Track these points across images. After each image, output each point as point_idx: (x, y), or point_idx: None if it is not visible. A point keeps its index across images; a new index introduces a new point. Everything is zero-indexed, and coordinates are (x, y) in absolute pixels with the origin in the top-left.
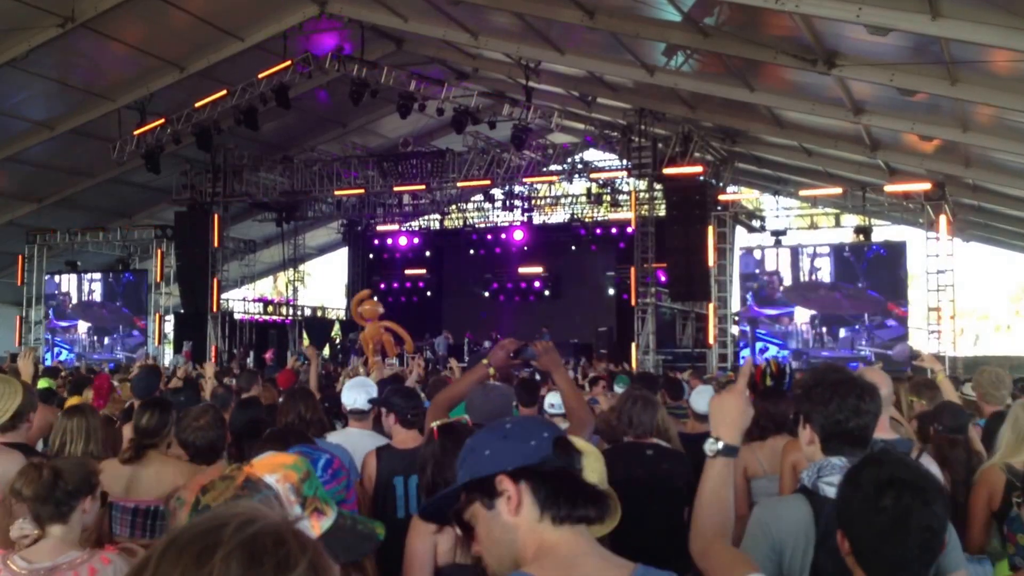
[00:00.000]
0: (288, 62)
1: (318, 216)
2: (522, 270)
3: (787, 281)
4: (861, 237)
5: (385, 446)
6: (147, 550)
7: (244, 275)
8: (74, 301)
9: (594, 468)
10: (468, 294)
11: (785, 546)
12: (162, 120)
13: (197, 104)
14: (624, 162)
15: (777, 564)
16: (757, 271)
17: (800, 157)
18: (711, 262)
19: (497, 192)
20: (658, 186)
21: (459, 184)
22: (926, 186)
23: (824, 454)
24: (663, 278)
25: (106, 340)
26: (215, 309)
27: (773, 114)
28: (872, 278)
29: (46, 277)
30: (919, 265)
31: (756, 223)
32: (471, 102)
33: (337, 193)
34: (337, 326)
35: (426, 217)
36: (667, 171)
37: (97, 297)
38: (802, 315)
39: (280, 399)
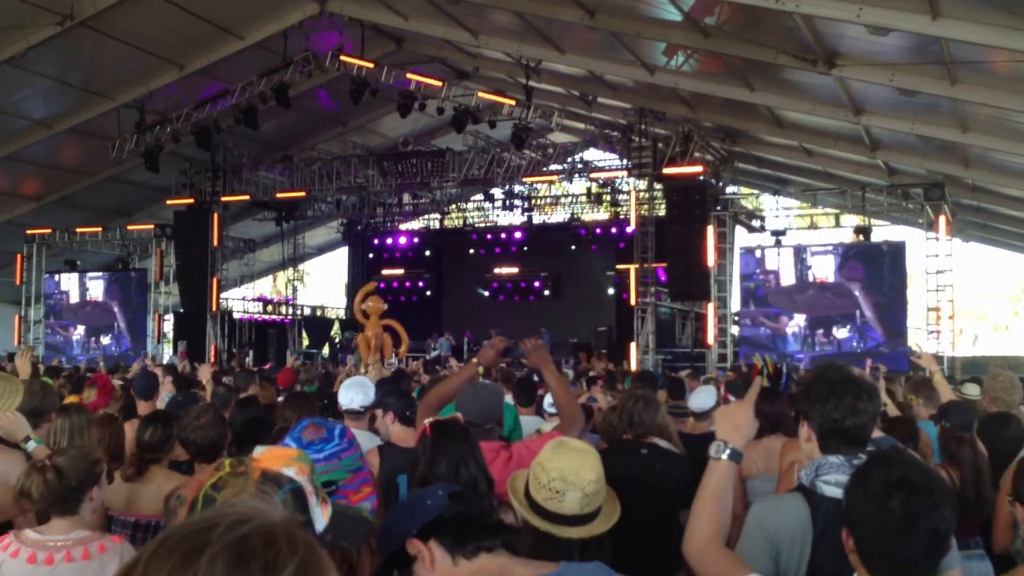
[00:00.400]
0: (288, 61)
1: (318, 215)
2: (522, 270)
3: (786, 281)
4: (861, 237)
5: (387, 444)
6: (142, 548)
7: (243, 274)
8: (74, 300)
9: (591, 467)
10: (468, 294)
11: (782, 544)
12: (161, 119)
13: (197, 103)
14: (624, 162)
15: (774, 561)
16: (757, 271)
17: (800, 157)
18: (711, 262)
19: (497, 192)
20: (658, 186)
21: (459, 184)
22: (926, 186)
23: (821, 452)
24: (663, 278)
25: (104, 340)
26: (214, 308)
27: (773, 114)
28: (871, 278)
29: (45, 276)
30: (918, 265)
31: (756, 223)
32: (471, 101)
33: (337, 192)
34: (337, 325)
35: (426, 216)
36: (667, 171)
37: (99, 296)
38: (796, 317)
39: (279, 398)
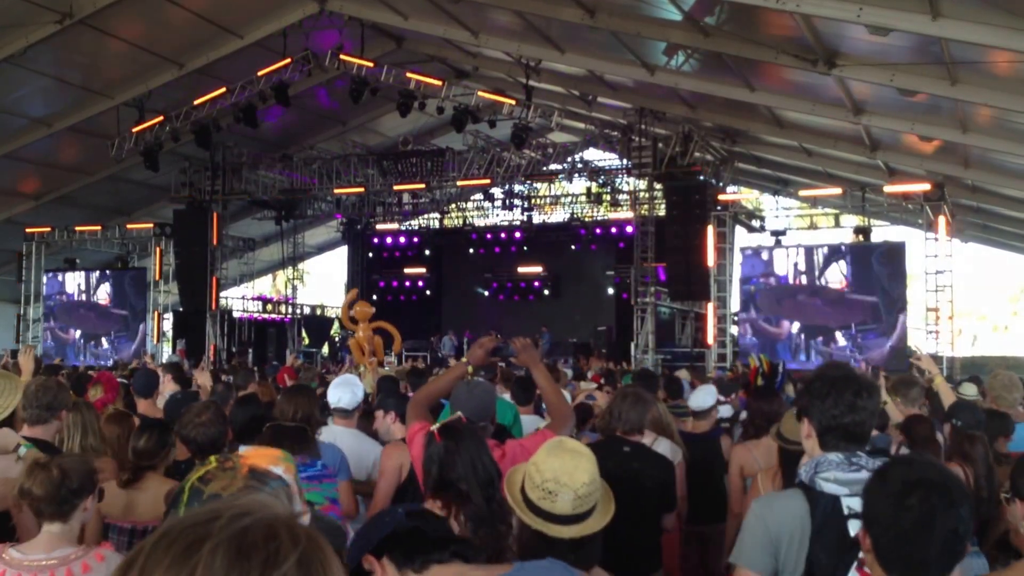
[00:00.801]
0: (288, 60)
1: (317, 214)
2: (522, 269)
3: (785, 283)
4: (860, 237)
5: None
6: (142, 541)
7: (243, 273)
8: (73, 298)
9: (585, 469)
10: (468, 293)
11: (781, 539)
12: (161, 117)
13: (196, 101)
14: (624, 162)
15: (774, 557)
16: (755, 272)
17: (800, 157)
18: (711, 262)
19: (497, 191)
20: (658, 186)
21: (459, 183)
22: (925, 187)
23: (821, 448)
24: (663, 277)
25: (103, 343)
26: (214, 307)
27: (773, 114)
28: (870, 278)
29: (47, 275)
30: (918, 266)
31: (756, 223)
32: (471, 101)
33: (336, 191)
34: (336, 324)
35: (426, 216)
36: (667, 171)
37: (98, 295)
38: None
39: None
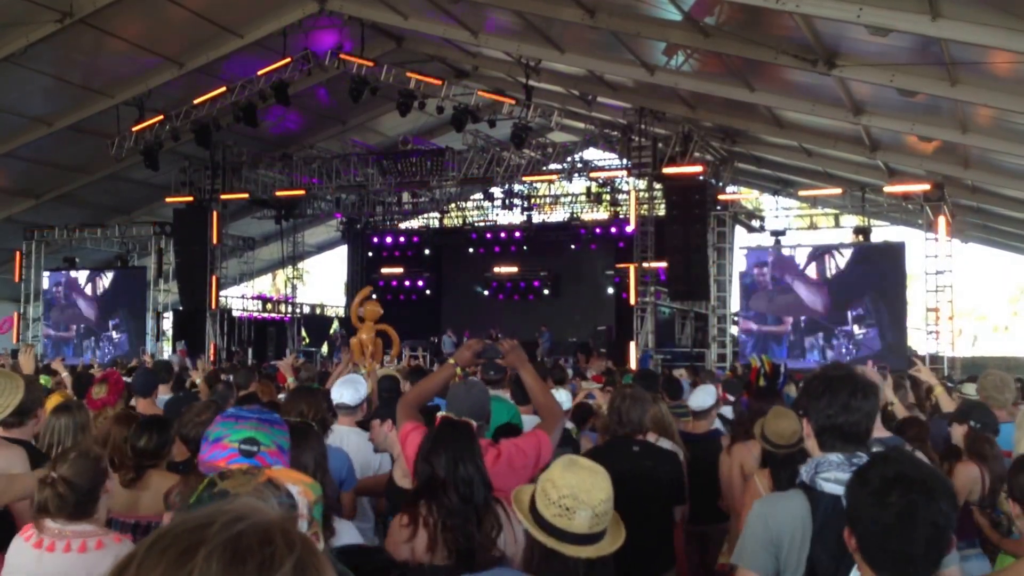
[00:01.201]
0: (287, 59)
1: (317, 214)
2: (521, 269)
3: (784, 283)
4: (860, 238)
5: None
6: (136, 545)
7: (243, 272)
8: (73, 297)
9: (602, 487)
10: (467, 293)
11: (782, 539)
12: (161, 117)
13: (196, 101)
14: (624, 161)
15: (775, 556)
16: (754, 272)
17: (800, 157)
18: (710, 262)
19: (497, 191)
20: (658, 185)
21: (459, 183)
22: (925, 187)
23: (819, 449)
24: (663, 277)
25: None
26: (214, 306)
27: (773, 114)
28: (870, 279)
29: (47, 274)
30: (918, 266)
31: (756, 223)
32: (471, 100)
33: (336, 191)
34: (336, 323)
35: (425, 215)
36: (667, 170)
37: (98, 294)
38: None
39: (280, 395)
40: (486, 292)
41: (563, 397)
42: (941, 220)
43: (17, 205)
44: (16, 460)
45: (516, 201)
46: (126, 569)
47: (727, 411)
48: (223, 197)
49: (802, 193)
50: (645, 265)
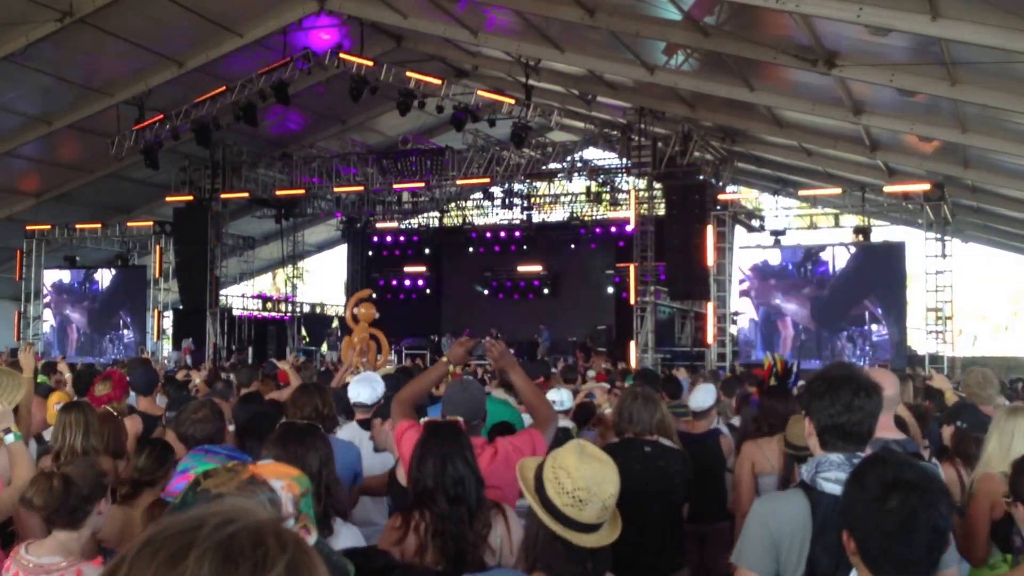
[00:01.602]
0: (287, 59)
1: (317, 213)
2: (521, 268)
3: (784, 283)
4: (860, 237)
5: None
6: (124, 548)
7: (243, 271)
8: (73, 296)
9: (612, 480)
10: (467, 292)
11: (783, 539)
12: (161, 116)
13: (196, 100)
14: (623, 161)
15: (775, 557)
16: (753, 271)
17: (800, 157)
18: (710, 261)
19: (496, 190)
20: (658, 185)
21: (458, 182)
22: (925, 187)
23: (821, 448)
24: (662, 277)
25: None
26: (214, 306)
27: (773, 114)
28: (870, 278)
29: (46, 272)
30: (918, 266)
31: (755, 223)
32: (471, 100)
33: (336, 190)
34: (336, 323)
35: (425, 215)
36: (666, 170)
37: (98, 293)
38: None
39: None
40: (486, 291)
41: (564, 397)
42: (941, 220)
43: (17, 204)
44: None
45: (516, 200)
46: (116, 572)
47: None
48: (223, 196)
49: (802, 193)
50: (645, 264)
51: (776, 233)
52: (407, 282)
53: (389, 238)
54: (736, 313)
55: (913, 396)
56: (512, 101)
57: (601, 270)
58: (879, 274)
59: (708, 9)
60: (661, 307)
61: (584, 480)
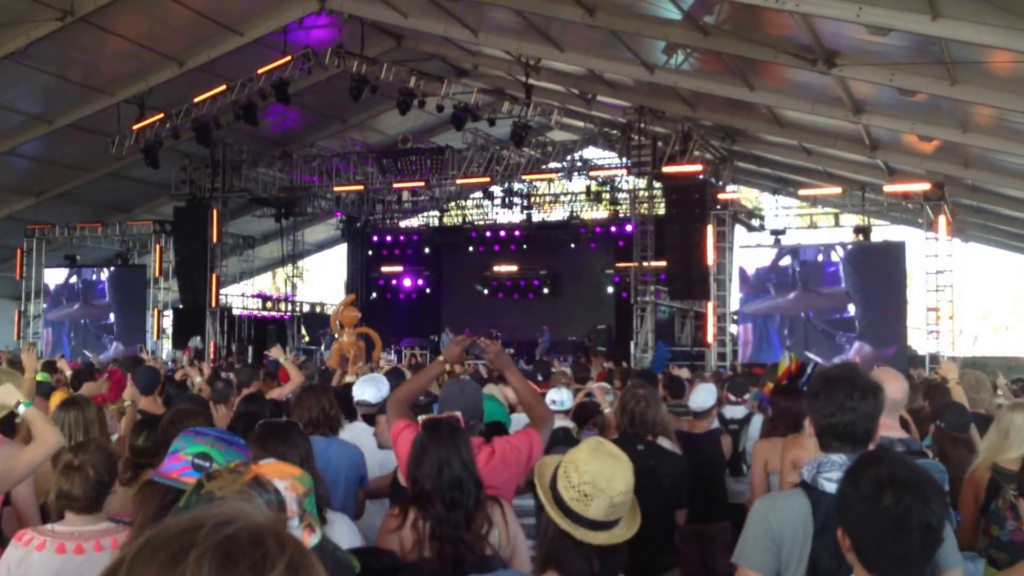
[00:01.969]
0: (288, 58)
1: (317, 212)
2: (521, 268)
3: (784, 282)
4: (860, 237)
5: None
6: (124, 548)
7: (243, 271)
8: (73, 295)
9: (623, 477)
10: (467, 291)
11: (784, 538)
12: (161, 115)
13: (196, 99)
14: (623, 160)
15: (776, 556)
16: (753, 270)
17: (800, 156)
18: (710, 261)
19: (496, 189)
20: (657, 184)
21: (458, 181)
22: (925, 186)
23: (821, 449)
24: (662, 276)
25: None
26: (214, 305)
27: (773, 113)
28: (870, 278)
29: (46, 271)
30: (918, 265)
31: (755, 222)
32: (471, 99)
33: (336, 189)
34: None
35: (425, 214)
36: (666, 169)
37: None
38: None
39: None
40: (486, 291)
41: (564, 397)
42: (941, 219)
43: (18, 203)
44: (17, 453)
45: (516, 200)
46: (116, 572)
47: (738, 411)
48: (223, 195)
49: (802, 192)
50: (645, 264)
51: (776, 233)
52: (407, 281)
53: (389, 237)
54: (736, 312)
55: (912, 397)
56: (512, 100)
57: (601, 270)
58: (879, 274)
59: (708, 8)
60: (661, 307)
61: (591, 475)
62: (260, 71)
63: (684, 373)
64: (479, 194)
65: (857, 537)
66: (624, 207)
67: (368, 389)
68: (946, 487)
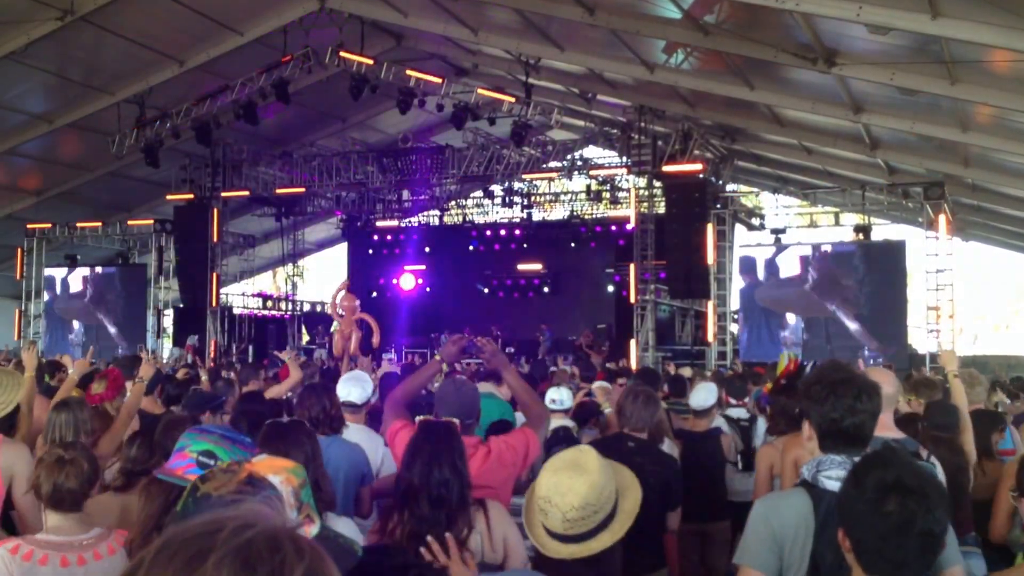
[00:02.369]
0: (288, 57)
1: (317, 211)
2: (521, 267)
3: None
4: (860, 236)
5: None
6: (142, 551)
7: (243, 270)
8: (74, 294)
9: (579, 492)
10: (467, 290)
11: (785, 538)
12: (161, 114)
13: (196, 98)
14: (624, 159)
15: (778, 555)
16: (753, 269)
17: (800, 155)
18: (710, 260)
19: (496, 188)
20: (658, 183)
21: (459, 180)
22: (926, 185)
23: (821, 451)
24: (662, 275)
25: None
26: (214, 304)
27: (773, 112)
28: (870, 277)
29: (47, 271)
30: (918, 264)
31: (756, 221)
32: (471, 98)
33: (336, 188)
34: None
35: (425, 213)
36: (667, 168)
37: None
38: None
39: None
40: (486, 290)
41: (564, 396)
42: (941, 218)
43: (18, 202)
44: (21, 457)
45: (516, 199)
46: (134, 574)
47: (742, 412)
48: (223, 194)
49: (802, 191)
50: (645, 263)
51: (776, 231)
52: (407, 280)
53: (389, 236)
54: (738, 311)
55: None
56: (512, 99)
57: (601, 269)
58: (879, 273)
59: (708, 7)
60: (661, 306)
61: (546, 489)
62: (260, 70)
63: (686, 372)
64: (479, 193)
65: (857, 539)
66: (624, 206)
67: (353, 389)
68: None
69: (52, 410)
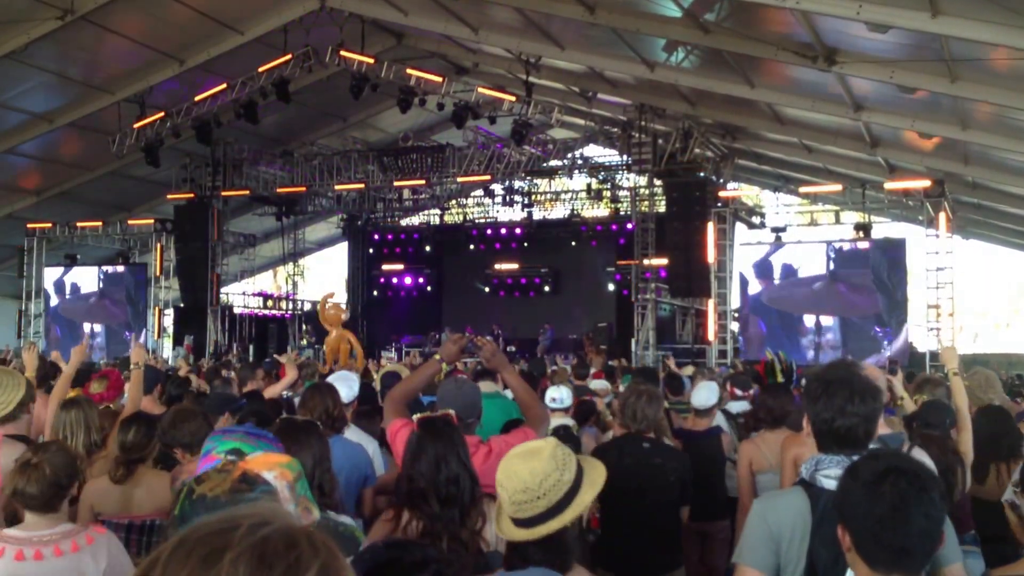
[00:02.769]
0: (288, 56)
1: (318, 211)
2: (522, 266)
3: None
4: (861, 234)
5: None
6: (157, 548)
7: (244, 269)
8: (74, 294)
9: (520, 478)
10: (468, 289)
11: (782, 535)
12: (162, 113)
13: (197, 97)
14: (624, 158)
15: (776, 554)
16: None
17: (800, 154)
18: (711, 258)
19: (497, 187)
20: (658, 182)
21: (459, 179)
22: (926, 183)
23: (819, 450)
24: (663, 274)
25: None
26: (215, 303)
27: (773, 110)
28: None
29: (47, 270)
30: (919, 262)
31: (756, 219)
32: (471, 97)
33: (337, 188)
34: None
35: (426, 212)
36: (667, 167)
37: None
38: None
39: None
40: (487, 289)
41: (563, 395)
42: (942, 216)
43: (18, 202)
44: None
45: (516, 198)
46: (150, 572)
47: (744, 406)
48: (224, 194)
49: (803, 190)
50: (646, 262)
51: (777, 230)
52: (408, 280)
53: (390, 235)
54: (738, 310)
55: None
56: (513, 98)
57: (602, 267)
58: (880, 271)
59: (708, 6)
60: (662, 304)
61: (501, 472)
62: (261, 69)
63: (687, 371)
64: (480, 192)
65: (856, 529)
66: (625, 205)
67: (341, 389)
68: None
69: (61, 408)
